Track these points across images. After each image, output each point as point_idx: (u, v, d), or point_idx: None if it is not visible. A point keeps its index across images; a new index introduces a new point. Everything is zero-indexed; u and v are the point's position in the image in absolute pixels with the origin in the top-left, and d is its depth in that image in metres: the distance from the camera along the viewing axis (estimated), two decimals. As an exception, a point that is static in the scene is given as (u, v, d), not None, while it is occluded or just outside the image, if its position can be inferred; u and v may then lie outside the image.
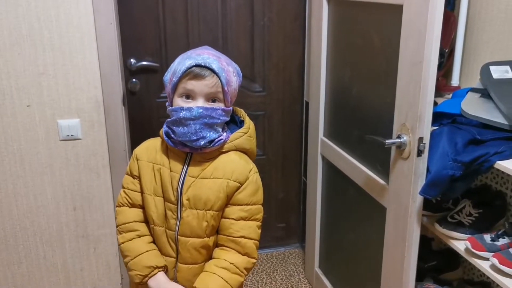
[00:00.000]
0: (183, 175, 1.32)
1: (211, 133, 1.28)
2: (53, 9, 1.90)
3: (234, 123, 1.43)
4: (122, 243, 1.39)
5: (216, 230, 1.36)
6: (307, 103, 2.53)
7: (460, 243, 1.52)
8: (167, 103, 1.35)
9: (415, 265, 1.60)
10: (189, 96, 1.27)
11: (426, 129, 1.43)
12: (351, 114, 1.96)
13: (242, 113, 1.44)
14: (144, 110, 2.44)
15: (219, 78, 1.26)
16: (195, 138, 1.27)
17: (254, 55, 2.50)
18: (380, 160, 1.72)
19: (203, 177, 1.31)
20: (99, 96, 2.05)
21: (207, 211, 1.30)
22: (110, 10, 1.97)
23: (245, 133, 1.36)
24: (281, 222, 2.86)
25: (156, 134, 2.56)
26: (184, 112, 1.25)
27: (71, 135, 2.05)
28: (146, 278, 1.34)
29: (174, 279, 1.39)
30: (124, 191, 1.42)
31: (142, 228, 1.40)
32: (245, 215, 1.32)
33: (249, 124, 1.39)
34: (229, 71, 1.29)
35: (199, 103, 1.26)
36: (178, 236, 1.34)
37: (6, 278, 2.19)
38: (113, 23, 1.99)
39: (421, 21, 1.36)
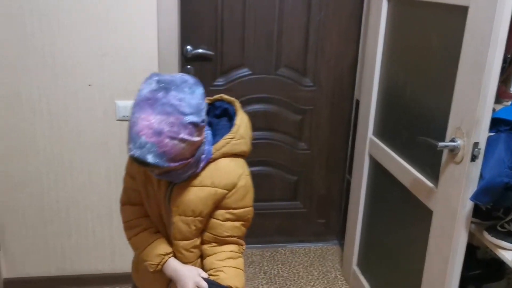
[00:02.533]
0: (171, 184, 1.32)
1: (185, 174, 1.25)
2: (119, -6, 1.99)
3: (227, 115, 1.39)
4: (130, 238, 1.43)
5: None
6: (357, 101, 2.52)
7: (509, 253, 1.49)
8: None
9: (459, 272, 1.58)
10: None
11: (482, 134, 1.41)
12: (402, 114, 1.94)
13: (236, 104, 1.38)
14: (196, 97, 2.49)
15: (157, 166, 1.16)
16: (171, 180, 1.29)
17: (307, 49, 2.51)
18: (430, 163, 1.70)
19: (191, 185, 1.29)
20: (155, 81, 2.12)
21: (196, 217, 1.31)
22: (173, -3, 2.03)
23: (232, 138, 1.30)
24: (321, 218, 2.87)
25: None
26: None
27: (127, 116, 2.13)
28: (159, 266, 1.37)
29: None
30: (125, 190, 1.45)
31: (146, 222, 1.42)
32: (233, 218, 1.32)
33: (239, 124, 1.32)
34: (173, 144, 1.13)
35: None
36: (171, 239, 1.38)
37: (55, 248, 2.31)
38: (174, 10, 2.05)
39: (487, 24, 1.34)
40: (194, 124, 1.14)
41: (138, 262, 1.51)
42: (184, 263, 1.38)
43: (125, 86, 2.10)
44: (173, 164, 1.16)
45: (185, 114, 1.12)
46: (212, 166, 1.29)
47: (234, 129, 1.31)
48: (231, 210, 1.31)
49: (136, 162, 1.14)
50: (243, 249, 1.39)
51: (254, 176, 2.68)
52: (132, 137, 1.12)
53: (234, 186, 1.29)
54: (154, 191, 1.35)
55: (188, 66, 2.42)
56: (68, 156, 2.18)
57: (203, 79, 2.46)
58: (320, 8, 2.44)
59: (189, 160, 1.20)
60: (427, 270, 1.71)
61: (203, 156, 1.26)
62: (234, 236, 1.34)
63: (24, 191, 2.21)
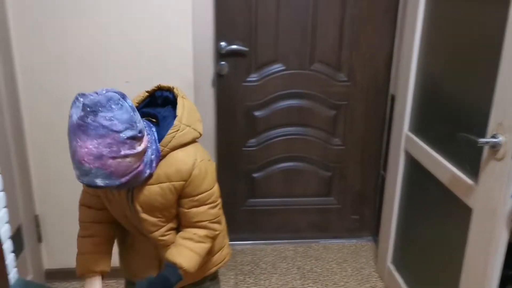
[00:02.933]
0: (131, 188, 1.34)
1: (145, 175, 1.27)
2: (155, -9, 2.02)
3: (169, 102, 1.40)
4: (78, 236, 1.47)
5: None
6: (392, 96, 2.48)
7: (552, 253, 1.45)
8: None
9: (499, 271, 1.54)
10: None
11: (526, 130, 1.37)
12: (440, 109, 1.90)
13: (175, 91, 1.40)
14: (230, 92, 2.51)
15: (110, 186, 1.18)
16: (132, 186, 1.30)
17: (342, 44, 2.49)
18: (469, 159, 1.66)
19: (149, 184, 1.31)
20: (190, 77, 2.15)
21: (162, 211, 1.36)
22: (208, -6, 2.05)
23: (177, 131, 1.31)
24: (355, 214, 2.84)
25: (239, 117, 2.63)
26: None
27: (163, 112, 2.16)
28: (83, 277, 1.42)
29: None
30: (83, 192, 1.48)
31: (95, 228, 1.45)
32: (196, 204, 1.36)
33: (180, 114, 1.33)
34: (117, 162, 1.14)
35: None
36: (149, 235, 1.40)
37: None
38: (209, 7, 2.07)
39: (531, 16, 1.29)
40: (132, 138, 1.15)
41: (125, 251, 1.56)
42: (167, 246, 1.41)
43: (161, 82, 2.13)
44: (124, 179, 1.17)
45: (120, 131, 1.13)
46: (163, 162, 1.31)
47: (176, 121, 1.31)
48: (192, 198, 1.35)
49: (88, 187, 1.20)
50: (215, 233, 1.42)
51: (288, 171, 2.70)
52: (76, 165, 1.14)
53: (189, 175, 1.31)
54: (114, 197, 1.38)
55: (222, 63, 2.44)
56: (106, 151, 2.23)
57: (236, 75, 2.50)
58: (356, 2, 2.41)
59: (139, 169, 1.21)
60: (465, 268, 1.68)
61: (153, 156, 1.27)
62: (203, 221, 1.38)
63: (64, 184, 2.27)
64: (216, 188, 1.41)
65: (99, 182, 1.14)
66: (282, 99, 2.56)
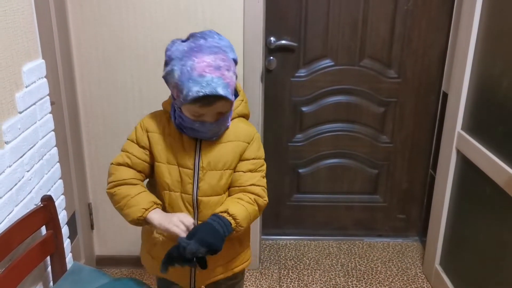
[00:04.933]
0: (198, 142, 1.40)
1: (224, 128, 1.41)
2: (208, -13, 2.05)
3: None
4: (116, 191, 1.42)
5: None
6: (444, 94, 2.41)
7: None
8: (173, 99, 1.36)
9: (558, 277, 1.48)
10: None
11: None
12: (497, 108, 1.84)
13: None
14: (278, 88, 2.52)
15: (227, 97, 1.27)
16: (208, 137, 1.39)
17: (393, 40, 2.44)
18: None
19: (218, 142, 1.41)
20: (240, 71, 2.16)
21: (225, 170, 1.42)
22: (260, -11, 2.06)
23: (242, 100, 1.48)
24: (402, 213, 2.79)
25: (286, 113, 2.63)
26: (197, 125, 1.33)
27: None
28: (147, 212, 1.36)
29: None
30: (127, 155, 1.44)
31: (140, 183, 1.44)
32: (252, 168, 1.44)
33: (242, 91, 1.51)
34: (230, 76, 1.28)
35: (211, 119, 1.32)
36: (199, 198, 1.41)
37: (144, 229, 2.44)
38: (260, 2, 2.08)
39: None
40: (235, 61, 1.33)
41: (151, 249, 1.52)
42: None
43: (211, 77, 2.17)
44: (232, 98, 1.30)
45: (227, 52, 1.31)
46: (231, 125, 1.44)
47: (241, 92, 1.49)
48: (251, 160, 1.44)
49: (205, 101, 1.24)
50: (264, 202, 1.45)
51: (335, 167, 2.69)
52: (196, 80, 1.23)
53: (252, 138, 1.45)
54: (179, 151, 1.40)
55: (271, 58, 2.44)
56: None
57: (285, 70, 2.49)
58: (409, -4, 2.36)
59: (232, 107, 1.38)
60: (520, 273, 1.62)
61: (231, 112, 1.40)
62: (257, 185, 1.44)
63: (116, 174, 2.35)
64: (264, 162, 1.50)
65: (220, 90, 1.24)
66: (330, 95, 2.54)
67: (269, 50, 2.44)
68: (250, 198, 1.41)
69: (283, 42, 2.43)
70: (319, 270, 2.54)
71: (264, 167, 1.48)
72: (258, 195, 1.43)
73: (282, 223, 2.80)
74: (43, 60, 1.63)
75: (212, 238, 1.28)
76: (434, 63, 2.48)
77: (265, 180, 1.47)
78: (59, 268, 1.65)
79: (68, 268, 1.69)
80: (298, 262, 2.60)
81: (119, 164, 1.45)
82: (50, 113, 1.69)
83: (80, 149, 2.29)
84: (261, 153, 1.48)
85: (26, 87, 1.51)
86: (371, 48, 2.46)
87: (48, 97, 1.67)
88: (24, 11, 1.49)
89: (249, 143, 1.44)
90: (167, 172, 1.42)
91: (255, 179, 1.44)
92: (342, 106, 2.56)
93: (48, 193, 1.65)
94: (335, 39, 2.44)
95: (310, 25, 2.42)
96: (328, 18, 2.40)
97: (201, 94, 1.22)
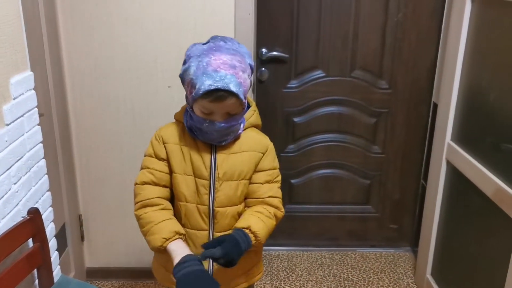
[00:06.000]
0: (213, 153, 1.41)
1: (233, 134, 1.40)
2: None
3: None
4: (142, 214, 1.41)
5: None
6: (435, 105, 2.43)
7: None
8: (186, 99, 1.40)
9: (546, 289, 1.48)
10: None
11: None
12: (485, 119, 1.85)
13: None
14: (269, 98, 2.53)
15: (238, 96, 1.28)
16: (218, 141, 1.39)
17: (384, 51, 2.46)
18: (516, 172, 1.61)
19: (233, 152, 1.42)
20: (231, 83, 2.17)
21: (241, 181, 1.42)
22: (250, 2, 2.07)
23: (255, 111, 1.49)
24: (394, 223, 2.79)
25: (278, 123, 2.64)
26: (206, 125, 1.33)
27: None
28: (167, 242, 1.34)
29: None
30: (149, 171, 1.43)
31: (165, 203, 1.44)
32: (269, 178, 1.45)
33: (254, 102, 1.52)
34: (244, 78, 1.31)
35: (220, 118, 1.33)
36: (215, 208, 1.42)
37: (135, 241, 2.42)
38: (251, 14, 2.09)
39: None
40: (251, 67, 1.36)
41: (166, 263, 1.48)
42: (226, 230, 1.41)
43: (202, 88, 2.17)
44: (244, 100, 1.31)
45: (245, 57, 1.33)
46: (243, 135, 1.45)
47: (253, 103, 1.50)
48: (267, 171, 1.45)
49: (216, 95, 1.25)
50: (281, 215, 1.46)
51: (327, 178, 2.69)
52: (210, 74, 1.26)
53: (266, 148, 1.46)
54: (195, 162, 1.41)
55: (263, 69, 2.46)
56: (148, 154, 2.28)
57: (276, 81, 2.50)
58: (399, 9, 2.37)
59: (242, 113, 1.38)
60: (509, 283, 1.62)
61: (242, 122, 1.42)
62: (275, 197, 1.45)
63: (107, 185, 2.35)
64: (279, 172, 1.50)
65: (232, 87, 1.26)
66: (322, 106, 2.55)
67: (261, 61, 2.45)
68: (270, 213, 1.42)
69: (275, 53, 2.44)
70: (312, 281, 2.53)
71: (280, 177, 1.49)
72: (277, 208, 1.45)
73: (274, 234, 2.74)
74: (31, 72, 1.63)
75: (236, 255, 1.30)
76: (424, 74, 2.50)
77: (280, 191, 1.48)
78: (47, 280, 1.64)
79: (55, 281, 1.68)
80: (291, 273, 2.59)
81: (144, 183, 1.44)
82: (38, 125, 1.69)
83: (71, 161, 2.28)
84: (277, 163, 1.49)
85: (14, 99, 1.51)
86: (362, 59, 2.47)
87: (36, 109, 1.67)
88: (12, 23, 1.50)
89: (264, 153, 1.45)
90: (184, 183, 1.42)
91: (273, 190, 1.45)
92: (333, 117, 2.57)
93: (36, 206, 1.64)
94: (327, 50, 2.45)
95: (302, 37, 2.43)
96: (320, 29, 2.42)
97: (213, 87, 1.24)
